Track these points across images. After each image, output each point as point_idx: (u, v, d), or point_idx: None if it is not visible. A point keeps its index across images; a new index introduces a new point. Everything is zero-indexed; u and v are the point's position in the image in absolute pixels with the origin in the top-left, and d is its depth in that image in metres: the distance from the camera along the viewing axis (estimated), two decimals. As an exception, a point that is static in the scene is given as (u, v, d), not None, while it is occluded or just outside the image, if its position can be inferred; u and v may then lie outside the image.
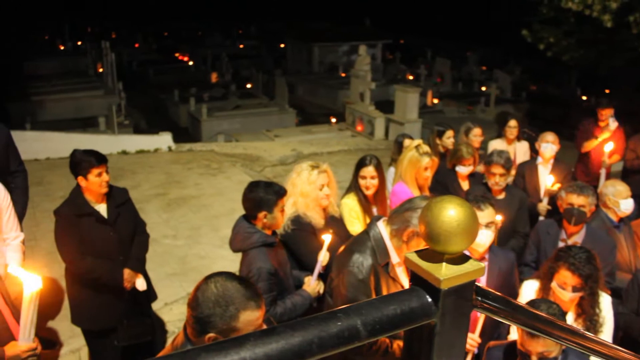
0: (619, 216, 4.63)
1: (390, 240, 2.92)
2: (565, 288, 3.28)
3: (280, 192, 3.49)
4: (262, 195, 3.42)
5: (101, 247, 3.98)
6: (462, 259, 0.99)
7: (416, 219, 2.79)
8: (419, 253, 1.01)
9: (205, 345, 0.75)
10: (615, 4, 11.34)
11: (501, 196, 4.99)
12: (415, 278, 0.99)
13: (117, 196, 4.14)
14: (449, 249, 0.96)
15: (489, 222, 3.59)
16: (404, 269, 3.05)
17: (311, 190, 3.91)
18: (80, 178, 3.90)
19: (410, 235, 2.82)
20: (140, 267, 4.23)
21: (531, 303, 2.92)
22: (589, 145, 7.43)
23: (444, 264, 0.97)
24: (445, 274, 0.95)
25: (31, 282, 2.51)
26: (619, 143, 7.23)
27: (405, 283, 3.05)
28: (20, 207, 4.57)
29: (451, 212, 0.95)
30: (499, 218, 4.35)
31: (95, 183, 3.88)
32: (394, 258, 2.93)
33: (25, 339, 2.74)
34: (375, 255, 2.91)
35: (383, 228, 2.96)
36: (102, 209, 4.02)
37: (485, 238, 3.57)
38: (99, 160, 3.88)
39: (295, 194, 3.91)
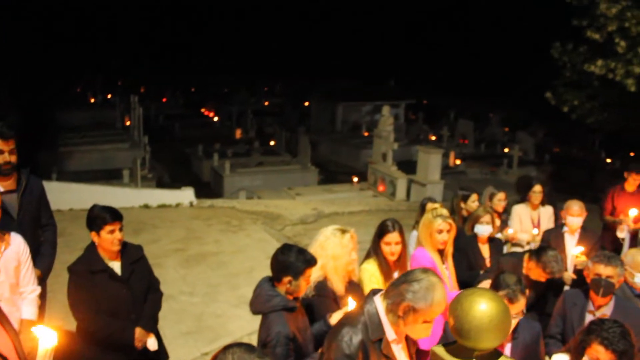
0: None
1: (386, 315, 2.79)
2: (597, 364, 3.13)
3: (311, 262, 3.45)
4: (292, 261, 3.38)
5: (114, 304, 3.93)
6: (494, 355, 0.91)
7: (411, 293, 2.67)
8: (447, 347, 0.93)
9: None
10: (639, 69, 11.37)
11: None
12: (442, 375, 0.91)
13: (131, 253, 4.12)
14: (480, 346, 0.89)
15: (518, 312, 3.46)
16: (403, 345, 2.90)
17: (343, 253, 3.90)
18: (93, 233, 3.91)
19: (406, 309, 2.68)
20: (152, 326, 4.15)
21: None
22: (608, 219, 7.33)
23: (473, 361, 0.89)
24: (476, 372, 0.87)
25: (47, 338, 2.47)
26: (644, 208, 7.08)
27: None
28: (48, 261, 4.64)
29: (482, 306, 0.89)
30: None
31: (107, 240, 3.87)
32: (390, 334, 2.79)
33: (38, 396, 2.66)
34: (367, 331, 2.77)
35: (379, 302, 2.83)
36: (116, 266, 3.99)
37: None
38: (113, 218, 3.87)
39: (325, 257, 3.86)
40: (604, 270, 4.11)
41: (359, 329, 2.77)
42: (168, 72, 42.75)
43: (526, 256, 4.79)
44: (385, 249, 4.33)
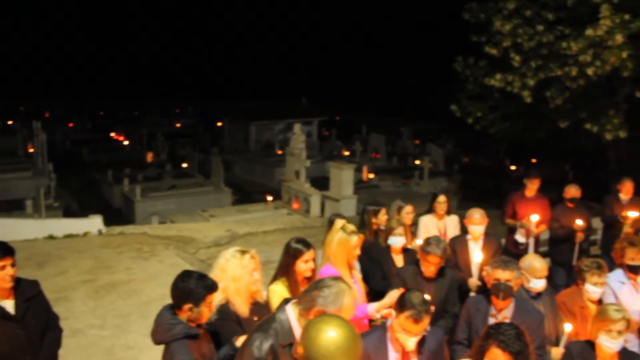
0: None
1: (298, 320, 2.92)
2: (497, 366, 3.24)
3: (212, 288, 3.38)
4: (192, 287, 3.31)
5: (7, 346, 3.70)
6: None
7: (322, 298, 2.84)
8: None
9: None
10: (533, 81, 12.03)
11: (432, 277, 4.97)
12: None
13: (26, 290, 3.89)
14: (328, 373, 0.89)
15: (422, 330, 3.52)
16: None
17: (243, 274, 3.83)
18: None
19: (317, 314, 2.79)
20: (51, 367, 3.94)
21: None
22: (509, 222, 7.66)
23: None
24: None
25: None
26: (545, 213, 7.46)
27: None
28: None
29: (329, 334, 0.89)
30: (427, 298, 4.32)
31: None
32: None
33: None
34: (277, 336, 2.90)
35: (291, 309, 2.97)
36: (8, 304, 3.76)
37: (414, 345, 3.52)
38: (2, 253, 3.66)
39: (226, 279, 3.80)
40: (502, 274, 4.27)
41: (270, 334, 2.89)
42: (75, 95, 41.39)
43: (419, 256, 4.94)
44: (303, 267, 4.30)
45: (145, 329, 7.07)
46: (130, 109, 39.32)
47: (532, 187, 7.63)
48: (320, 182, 16.27)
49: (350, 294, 2.87)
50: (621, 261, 5.01)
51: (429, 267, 4.83)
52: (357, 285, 4.76)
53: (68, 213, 16.05)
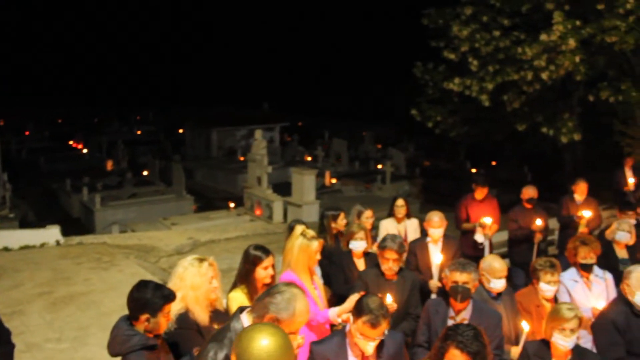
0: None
1: None
2: (456, 367, 3.27)
3: (169, 297, 3.33)
4: (149, 297, 3.25)
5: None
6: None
7: (274, 305, 2.80)
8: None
9: None
10: (491, 85, 12.26)
11: (394, 279, 5.01)
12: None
13: (-24, 305, 3.79)
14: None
15: (380, 334, 3.53)
16: None
17: (202, 282, 3.80)
18: None
19: (270, 321, 2.76)
20: (3, 384, 3.85)
21: None
22: (466, 227, 7.76)
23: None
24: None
25: None
26: (495, 214, 7.59)
27: None
28: None
29: (261, 342, 0.90)
30: (390, 299, 4.36)
31: None
32: None
33: None
34: (232, 346, 2.83)
35: (245, 317, 2.91)
36: (-43, 321, 3.65)
37: (373, 349, 3.54)
38: None
39: (184, 288, 3.76)
40: (460, 277, 4.32)
41: (225, 344, 2.80)
42: (31, 103, 40.51)
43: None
44: (263, 273, 4.29)
45: (105, 341, 6.84)
46: (89, 116, 38.67)
47: (480, 191, 7.78)
48: (283, 188, 16.22)
49: (303, 298, 2.85)
50: (574, 260, 5.13)
51: (388, 264, 4.88)
52: (318, 291, 4.77)
53: (24, 224, 15.68)
